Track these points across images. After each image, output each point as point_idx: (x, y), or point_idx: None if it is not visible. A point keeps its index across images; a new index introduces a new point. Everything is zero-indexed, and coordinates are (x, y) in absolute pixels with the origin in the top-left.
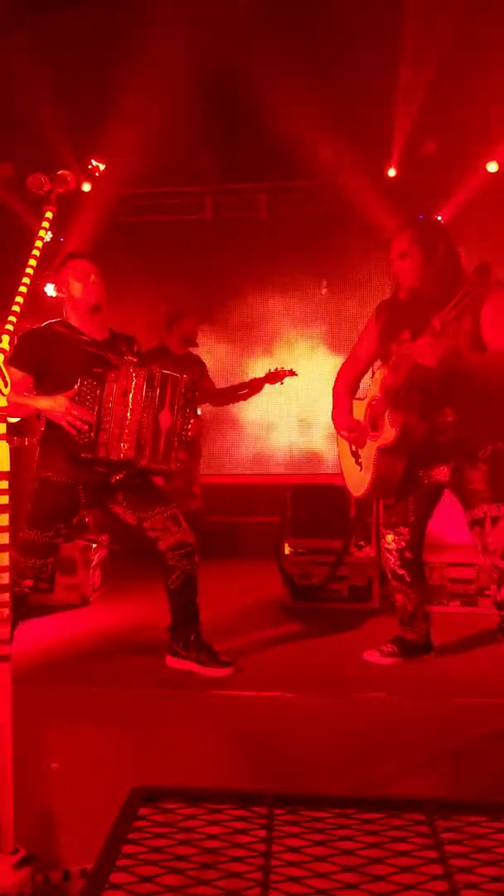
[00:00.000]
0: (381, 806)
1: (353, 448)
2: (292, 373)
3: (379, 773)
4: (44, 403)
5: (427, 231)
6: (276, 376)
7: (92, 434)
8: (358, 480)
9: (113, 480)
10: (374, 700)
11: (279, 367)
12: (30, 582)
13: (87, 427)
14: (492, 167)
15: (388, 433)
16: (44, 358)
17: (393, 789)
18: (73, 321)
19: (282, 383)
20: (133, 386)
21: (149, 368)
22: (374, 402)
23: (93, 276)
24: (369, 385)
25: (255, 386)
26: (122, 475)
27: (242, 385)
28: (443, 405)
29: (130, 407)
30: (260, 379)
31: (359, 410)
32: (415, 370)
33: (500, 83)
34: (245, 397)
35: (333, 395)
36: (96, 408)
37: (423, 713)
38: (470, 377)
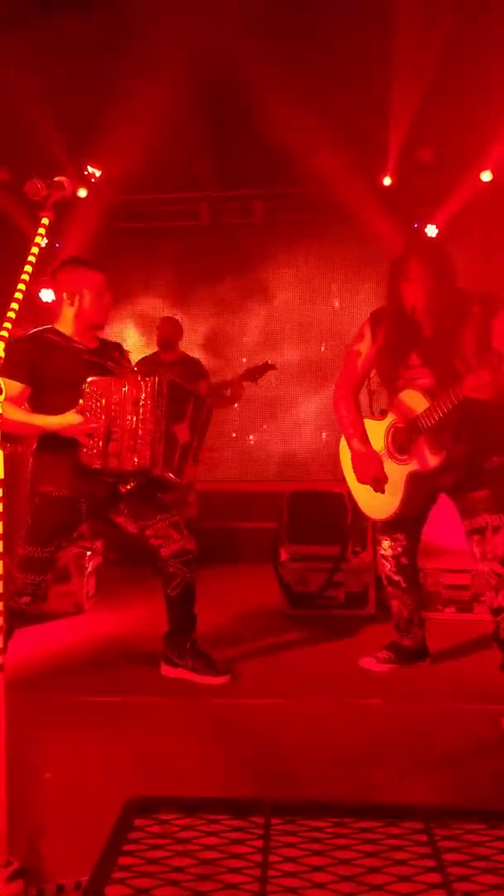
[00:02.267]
0: (379, 814)
1: None
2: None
3: (376, 780)
4: (56, 423)
5: (436, 256)
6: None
7: (100, 444)
8: (381, 504)
9: (123, 491)
10: (371, 706)
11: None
12: (28, 599)
13: (87, 445)
14: (486, 176)
15: (429, 459)
16: (36, 366)
17: (390, 796)
18: (66, 330)
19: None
20: (144, 395)
21: (158, 378)
22: (399, 426)
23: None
24: (386, 405)
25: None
26: (131, 485)
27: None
28: (466, 426)
29: (141, 416)
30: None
31: (373, 431)
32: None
33: (495, 92)
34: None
35: (348, 425)
36: (103, 418)
37: (419, 719)
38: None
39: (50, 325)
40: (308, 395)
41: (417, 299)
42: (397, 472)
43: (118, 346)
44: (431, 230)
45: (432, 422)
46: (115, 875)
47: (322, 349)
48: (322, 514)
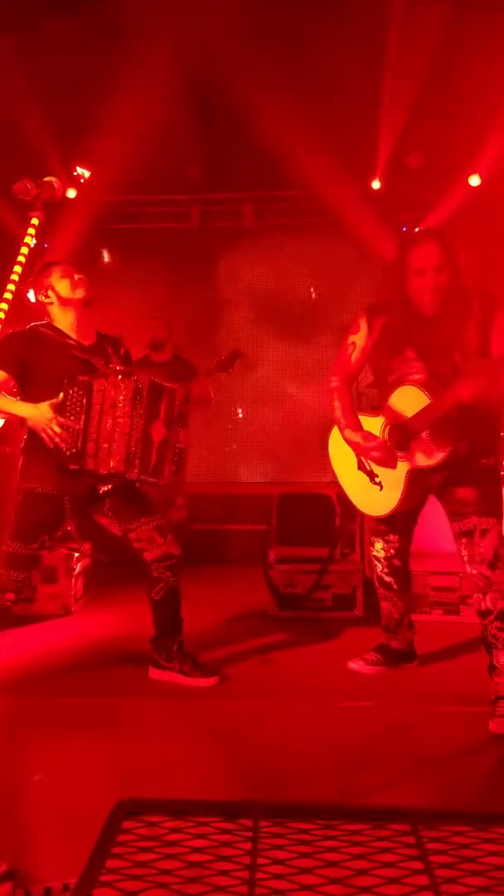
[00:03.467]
0: (367, 816)
1: (368, 467)
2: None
3: (363, 782)
4: (26, 410)
5: (448, 244)
6: (223, 364)
7: (79, 444)
8: (377, 501)
9: (101, 491)
10: (359, 709)
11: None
12: (12, 595)
13: (65, 444)
14: (474, 181)
15: (433, 456)
16: (27, 360)
17: (378, 798)
18: (62, 324)
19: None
20: (122, 397)
21: (137, 379)
22: (400, 423)
23: (77, 275)
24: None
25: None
26: (109, 486)
27: (205, 374)
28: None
29: (119, 419)
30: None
31: (367, 427)
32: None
33: (484, 97)
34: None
35: (343, 416)
36: (83, 417)
37: (407, 722)
38: (490, 405)
39: (46, 321)
40: (299, 396)
41: (434, 290)
42: (397, 469)
43: (114, 342)
44: None
45: (432, 421)
46: (103, 878)
47: (312, 350)
48: (311, 516)
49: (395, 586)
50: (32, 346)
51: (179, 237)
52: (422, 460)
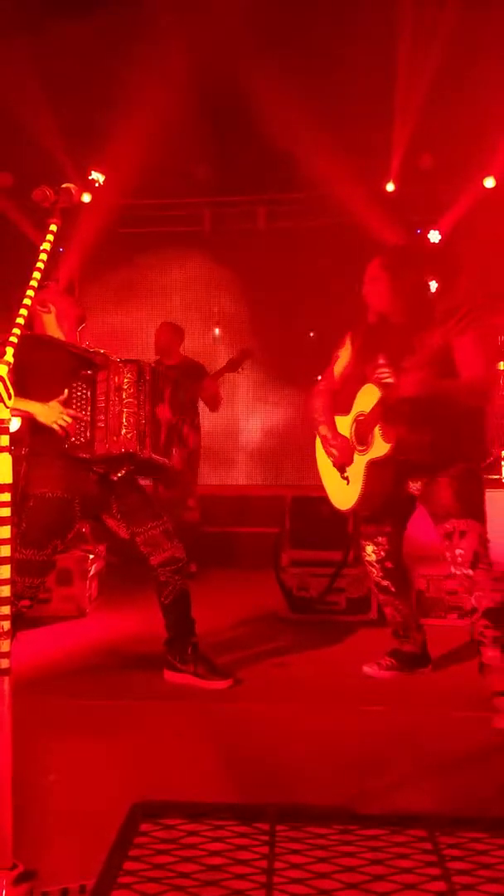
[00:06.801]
0: (384, 822)
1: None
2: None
3: (379, 787)
4: (36, 407)
5: (398, 259)
6: (234, 363)
7: (87, 433)
8: (344, 495)
9: (114, 478)
10: (374, 713)
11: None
12: (27, 602)
13: (75, 428)
14: (489, 182)
15: (381, 447)
16: (23, 363)
17: (393, 803)
18: (53, 335)
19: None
20: (126, 381)
21: (138, 363)
22: (361, 418)
23: (67, 296)
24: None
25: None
26: (123, 472)
27: (215, 375)
28: (424, 423)
29: (126, 400)
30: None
31: (340, 426)
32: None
33: (497, 98)
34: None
35: (320, 414)
36: (88, 409)
37: (421, 726)
38: (445, 401)
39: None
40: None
41: (373, 298)
42: (358, 464)
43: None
44: (434, 236)
45: (379, 414)
46: (122, 879)
47: (324, 354)
48: (324, 519)
49: (392, 589)
50: (27, 349)
51: (192, 240)
52: (374, 452)
